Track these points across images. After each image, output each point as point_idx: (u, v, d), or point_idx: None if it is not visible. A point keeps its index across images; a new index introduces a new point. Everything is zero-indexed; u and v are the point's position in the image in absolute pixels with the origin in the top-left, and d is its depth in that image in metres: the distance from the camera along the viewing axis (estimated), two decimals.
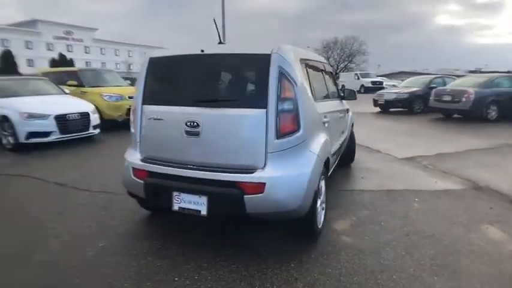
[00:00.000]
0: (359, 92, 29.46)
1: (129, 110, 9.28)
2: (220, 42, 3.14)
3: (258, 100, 2.62)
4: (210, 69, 2.90)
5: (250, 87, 2.83)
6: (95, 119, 7.77)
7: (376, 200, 4.16)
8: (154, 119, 2.92)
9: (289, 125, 2.61)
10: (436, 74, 17.70)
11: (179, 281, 2.49)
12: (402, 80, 22.65)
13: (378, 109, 14.65)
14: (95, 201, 4.12)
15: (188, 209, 2.71)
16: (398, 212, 3.80)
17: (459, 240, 3.15)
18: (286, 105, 2.60)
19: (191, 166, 2.73)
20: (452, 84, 12.48)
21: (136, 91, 3.09)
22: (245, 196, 2.52)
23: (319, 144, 2.94)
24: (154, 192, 2.88)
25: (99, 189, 4.51)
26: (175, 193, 2.75)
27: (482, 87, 10.97)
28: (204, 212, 2.66)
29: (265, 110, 2.59)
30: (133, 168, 2.97)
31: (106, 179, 4.93)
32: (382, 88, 29.41)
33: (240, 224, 3.40)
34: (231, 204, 2.60)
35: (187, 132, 2.73)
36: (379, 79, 31.62)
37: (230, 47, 2.92)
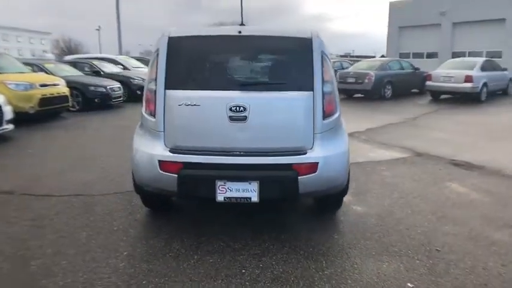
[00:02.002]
0: None
1: (42, 100, 8.08)
2: (241, 24, 3.05)
3: (304, 83, 2.70)
4: (250, 51, 2.83)
5: (295, 70, 2.84)
6: (8, 111, 6.49)
7: (351, 172, 4.62)
8: (187, 105, 2.68)
9: (331, 107, 2.77)
10: (334, 59, 19.66)
11: (248, 271, 2.44)
12: None
13: None
14: (70, 207, 3.57)
15: (236, 197, 2.64)
16: (377, 180, 4.34)
17: (439, 196, 3.83)
18: (329, 88, 2.75)
19: (237, 152, 2.66)
20: (353, 68, 14.09)
21: (154, 74, 2.77)
22: (299, 177, 2.60)
23: (344, 123, 3.17)
24: (192, 185, 2.70)
25: (64, 193, 3.92)
26: (219, 183, 2.63)
27: (379, 70, 12.72)
28: (255, 198, 2.63)
29: (311, 92, 2.69)
30: (161, 161, 2.69)
31: (61, 181, 4.32)
32: None
33: (252, 210, 3.38)
34: (285, 187, 2.65)
35: (232, 118, 2.62)
36: None
37: (266, 30, 2.89)
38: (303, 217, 3.38)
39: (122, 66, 14.48)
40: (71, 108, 9.71)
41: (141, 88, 12.53)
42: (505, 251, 2.69)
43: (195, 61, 2.89)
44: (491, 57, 14.73)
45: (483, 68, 11.58)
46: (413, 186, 4.13)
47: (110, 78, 11.65)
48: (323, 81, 2.72)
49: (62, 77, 9.68)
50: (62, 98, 8.83)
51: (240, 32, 2.75)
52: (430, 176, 4.49)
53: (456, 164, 4.98)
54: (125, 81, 11.94)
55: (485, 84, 11.29)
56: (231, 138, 2.66)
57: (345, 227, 3.12)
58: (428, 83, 12.23)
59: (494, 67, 12.44)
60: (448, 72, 11.64)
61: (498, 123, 8.17)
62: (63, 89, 8.92)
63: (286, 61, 2.90)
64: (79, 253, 2.70)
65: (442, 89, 11.71)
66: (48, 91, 8.36)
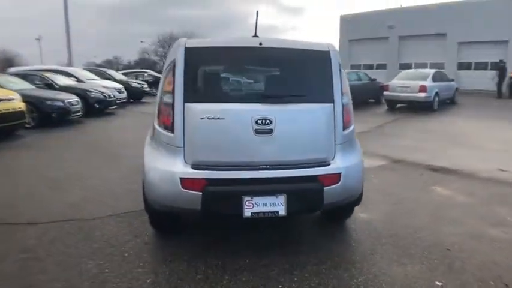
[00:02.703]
0: None
1: None
2: (255, 35, 3.08)
3: (325, 95, 2.80)
4: (270, 63, 2.83)
5: (315, 82, 2.90)
6: None
7: None
8: (210, 118, 2.62)
9: (349, 118, 2.89)
10: None
11: (285, 287, 2.45)
12: None
13: None
14: (65, 234, 3.27)
15: (264, 212, 2.62)
16: (370, 187, 4.47)
17: (430, 199, 4.13)
18: (346, 99, 2.88)
19: (263, 166, 2.65)
20: None
21: (171, 87, 2.68)
22: (325, 188, 2.67)
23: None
24: (218, 202, 2.64)
25: (50, 219, 3.56)
26: (246, 198, 2.61)
27: None
28: (282, 212, 2.64)
29: (332, 104, 2.79)
30: (182, 179, 2.61)
31: (40, 206, 3.94)
32: None
33: (261, 225, 3.33)
34: (312, 199, 2.70)
35: (257, 131, 2.61)
36: None
37: (285, 42, 2.92)
38: (313, 228, 3.46)
39: (75, 79, 13.73)
40: (26, 125, 8.99)
41: (100, 101, 12.08)
42: (506, 245, 2.98)
43: (215, 73, 2.86)
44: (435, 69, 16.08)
45: (434, 79, 12.63)
46: (403, 191, 4.39)
47: (65, 91, 10.98)
48: (342, 93, 2.83)
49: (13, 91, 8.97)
50: (18, 114, 8.11)
51: (261, 43, 2.77)
52: (415, 181, 4.81)
53: (433, 169, 5.37)
54: (82, 95, 11.25)
55: (437, 94, 12.31)
56: (257, 151, 2.65)
57: (358, 235, 3.24)
58: (385, 93, 13.04)
59: (443, 78, 13.62)
60: (403, 83, 12.52)
61: (456, 130, 8.90)
62: (18, 104, 8.21)
63: (306, 73, 2.94)
64: (94, 286, 2.50)
65: (399, 99, 12.54)
66: (2, 106, 7.67)
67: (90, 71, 16.64)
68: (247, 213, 2.62)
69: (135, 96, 16.01)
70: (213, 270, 2.66)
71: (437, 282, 2.46)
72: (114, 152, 6.61)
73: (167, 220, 3.17)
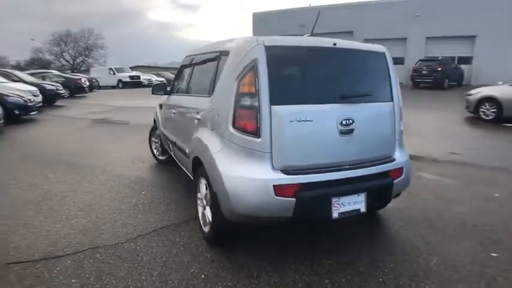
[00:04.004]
0: (117, 87, 28.73)
1: None
2: (312, 34, 3.17)
3: (387, 93, 3.08)
4: (342, 64, 2.93)
5: (379, 81, 3.10)
6: None
7: None
8: (299, 121, 2.63)
9: (402, 115, 3.22)
10: None
11: (386, 281, 2.62)
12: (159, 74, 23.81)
13: None
14: (105, 265, 2.88)
15: (348, 211, 2.76)
16: None
17: (425, 184, 4.75)
18: (400, 97, 3.19)
19: (346, 166, 2.77)
20: None
21: (253, 88, 2.60)
22: (393, 182, 2.96)
23: None
24: (309, 206, 2.65)
25: (71, 250, 3.08)
26: (334, 199, 2.70)
27: None
28: (363, 209, 2.81)
29: (392, 102, 3.08)
30: (276, 186, 2.56)
31: (40, 236, 3.34)
32: (140, 82, 30.10)
33: (303, 227, 3.43)
34: (384, 194, 2.97)
35: (341, 131, 2.73)
36: (135, 73, 31.83)
37: (351, 43, 3.05)
38: (350, 223, 3.63)
39: None
40: None
41: (20, 107, 10.42)
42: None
43: (296, 73, 2.83)
44: None
45: None
46: None
47: None
48: (398, 92, 3.15)
49: None
50: None
51: (335, 44, 2.86)
52: None
53: None
54: None
55: None
56: (341, 152, 2.77)
57: (399, 223, 3.58)
58: None
59: None
60: None
61: None
62: None
63: (372, 73, 3.13)
64: None
65: None
66: None
67: None
68: (335, 214, 2.73)
69: (48, 99, 14.21)
70: (307, 276, 2.67)
71: (493, 254, 2.95)
72: (73, 162, 5.92)
73: (233, 232, 3.09)
